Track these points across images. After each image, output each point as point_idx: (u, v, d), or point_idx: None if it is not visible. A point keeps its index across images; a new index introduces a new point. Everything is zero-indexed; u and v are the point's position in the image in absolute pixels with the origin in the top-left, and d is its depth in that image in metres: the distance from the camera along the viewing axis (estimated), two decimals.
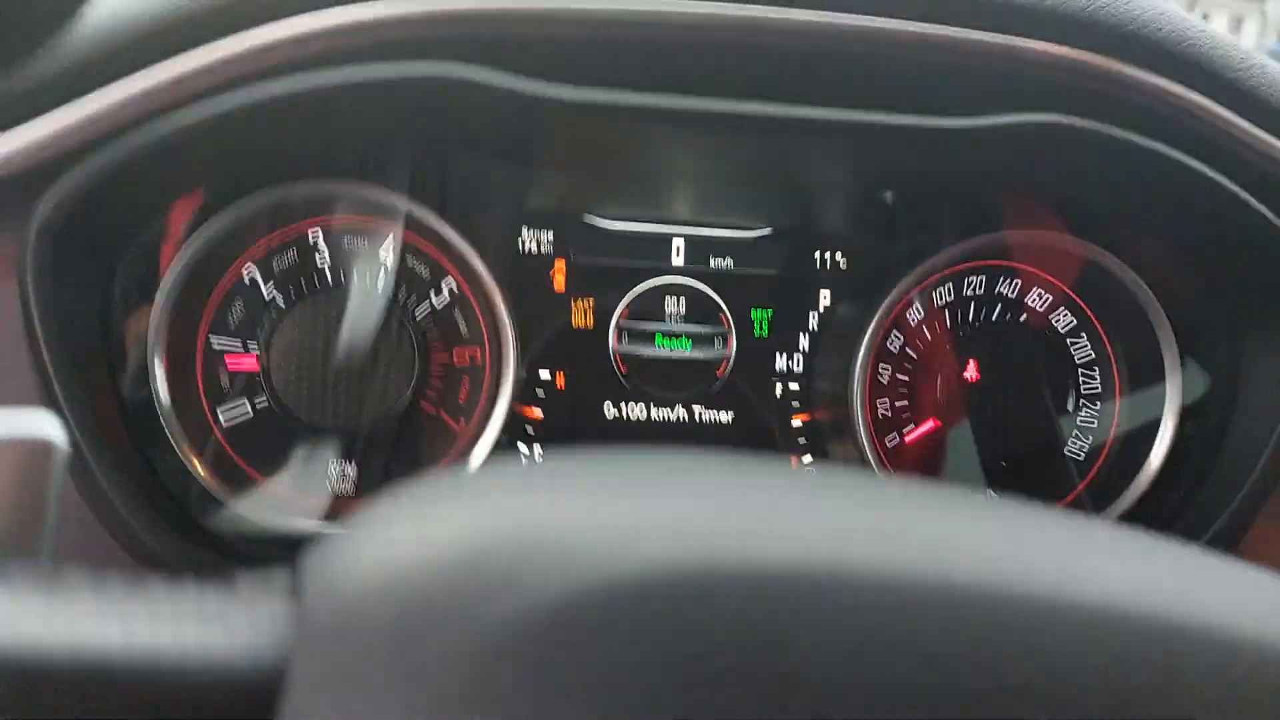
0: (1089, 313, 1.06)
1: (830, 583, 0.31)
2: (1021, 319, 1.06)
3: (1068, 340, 1.06)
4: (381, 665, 0.31)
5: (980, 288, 1.06)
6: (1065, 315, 1.06)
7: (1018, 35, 0.78)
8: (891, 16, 0.76)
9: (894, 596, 0.31)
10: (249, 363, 0.97)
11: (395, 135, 0.89)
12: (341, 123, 0.80)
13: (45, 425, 0.41)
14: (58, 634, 0.31)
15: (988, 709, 0.31)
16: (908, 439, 1.06)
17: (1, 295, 0.82)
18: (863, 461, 1.04)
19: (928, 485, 0.42)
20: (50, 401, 0.81)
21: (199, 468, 0.94)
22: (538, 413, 1.08)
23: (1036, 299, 1.06)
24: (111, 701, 0.32)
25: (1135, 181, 0.87)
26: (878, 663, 0.30)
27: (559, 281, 1.08)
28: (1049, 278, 1.06)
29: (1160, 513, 1.02)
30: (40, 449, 0.41)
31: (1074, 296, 1.06)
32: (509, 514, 0.34)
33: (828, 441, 1.10)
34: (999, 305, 1.06)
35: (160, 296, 0.93)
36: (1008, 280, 1.06)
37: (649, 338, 1.09)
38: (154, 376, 0.93)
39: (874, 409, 1.05)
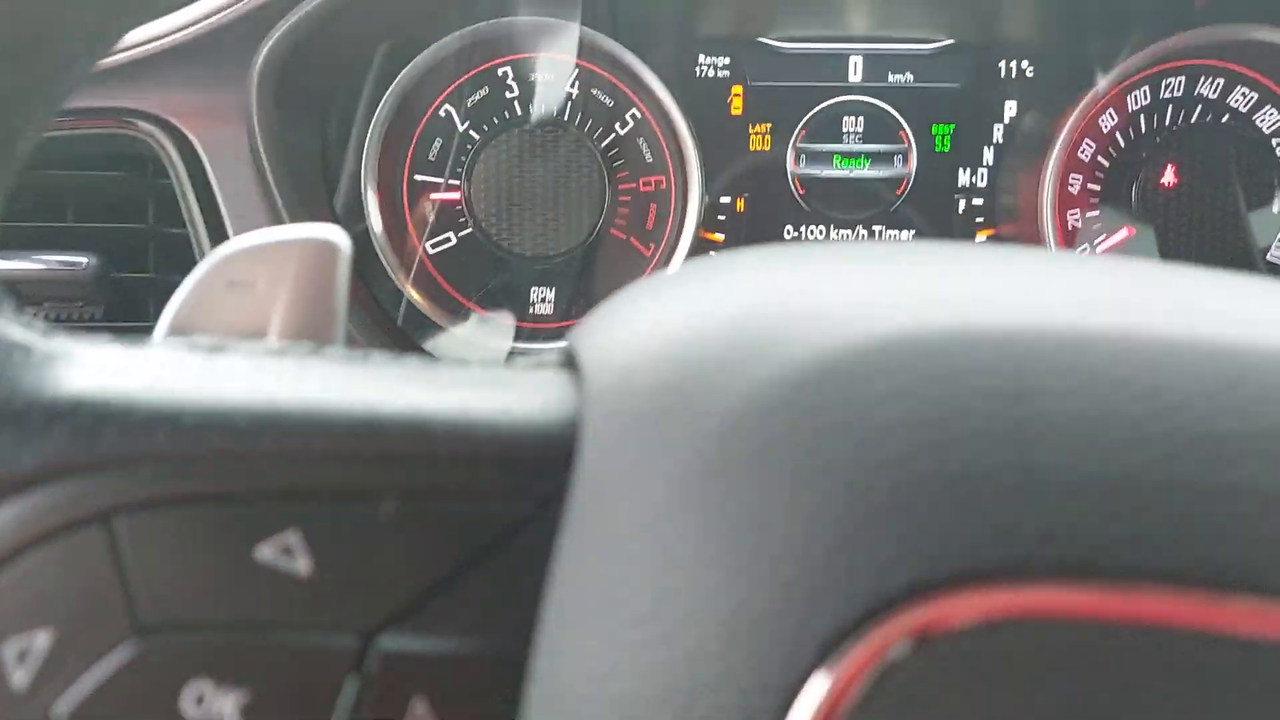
0: None
1: (1075, 341, 0.33)
2: (1224, 120, 1.02)
3: (1273, 141, 1.02)
4: (662, 424, 0.35)
5: (1179, 89, 1.02)
6: (1272, 114, 1.01)
7: None
8: None
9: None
10: (452, 195, 1.03)
11: None
12: None
13: (330, 232, 0.46)
14: (368, 399, 0.37)
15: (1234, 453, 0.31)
16: (1100, 250, 1.04)
17: (232, 139, 0.89)
18: None
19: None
20: None
21: (413, 292, 1.01)
22: (719, 236, 1.11)
23: (1240, 99, 1.01)
24: (419, 461, 0.37)
25: None
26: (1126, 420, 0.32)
27: (736, 105, 1.09)
28: (1255, 75, 1.00)
29: None
30: (328, 249, 0.46)
31: None
32: (767, 284, 0.37)
33: None
34: (1199, 107, 1.02)
35: (370, 136, 0.98)
36: (1209, 80, 1.01)
37: (827, 158, 1.09)
38: (368, 210, 1.00)
39: (1064, 221, 1.04)
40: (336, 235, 0.46)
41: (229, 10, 0.86)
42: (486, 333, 1.04)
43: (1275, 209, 1.01)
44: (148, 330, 0.42)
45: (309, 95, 0.91)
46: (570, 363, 0.41)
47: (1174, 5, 0.99)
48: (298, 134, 0.90)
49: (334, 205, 0.96)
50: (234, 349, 0.39)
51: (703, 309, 0.37)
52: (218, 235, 0.92)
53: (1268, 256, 1.03)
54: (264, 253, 0.46)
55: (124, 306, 0.95)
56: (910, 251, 0.41)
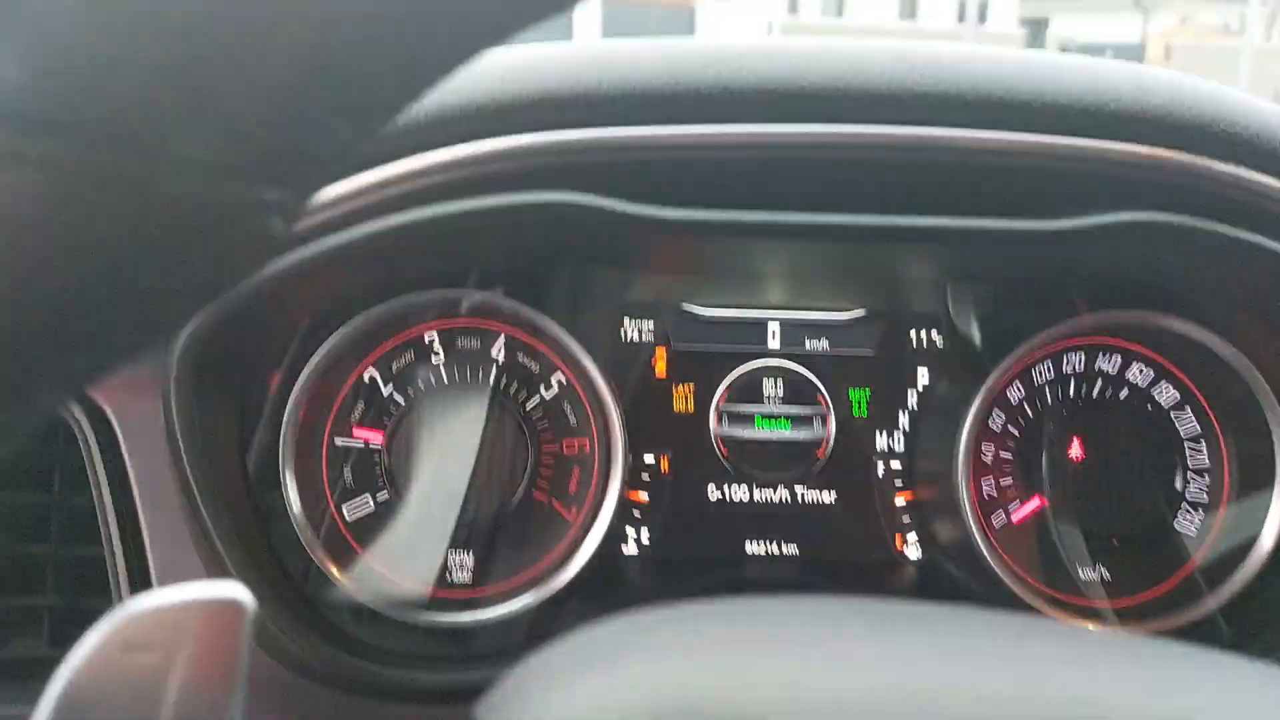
0: (1191, 386, 1.06)
1: None
2: (1123, 394, 1.06)
3: (1171, 414, 1.06)
4: None
5: (1080, 364, 1.06)
6: (1168, 389, 1.06)
7: (1108, 139, 0.80)
8: (988, 128, 0.78)
9: None
10: (371, 457, 1.02)
11: (509, 250, 0.93)
12: (464, 242, 0.85)
13: (234, 590, 0.45)
14: None
15: None
16: (1014, 518, 1.06)
17: (150, 412, 0.88)
18: (969, 541, 1.05)
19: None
20: (192, 510, 0.87)
21: (331, 569, 0.99)
22: (644, 496, 1.11)
23: (1138, 374, 1.06)
24: None
25: (1231, 267, 0.87)
26: None
27: (660, 368, 1.11)
28: (1148, 352, 1.06)
29: (1276, 590, 1.01)
30: (232, 610, 0.44)
31: (1175, 371, 1.06)
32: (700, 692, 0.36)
33: (932, 521, 1.11)
34: (1099, 381, 1.06)
35: (290, 406, 0.98)
36: (1107, 356, 1.06)
37: (749, 420, 1.11)
38: (285, 484, 0.98)
39: (979, 488, 1.06)
40: (240, 594, 0.45)
41: None
42: (405, 603, 1.01)
43: (1178, 484, 1.05)
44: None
45: (229, 368, 0.90)
46: None
47: (1071, 290, 1.04)
48: (215, 407, 0.89)
49: (246, 473, 0.94)
50: None
51: None
52: (125, 510, 0.90)
53: (1175, 527, 1.05)
54: (165, 614, 0.44)
55: (18, 578, 0.91)
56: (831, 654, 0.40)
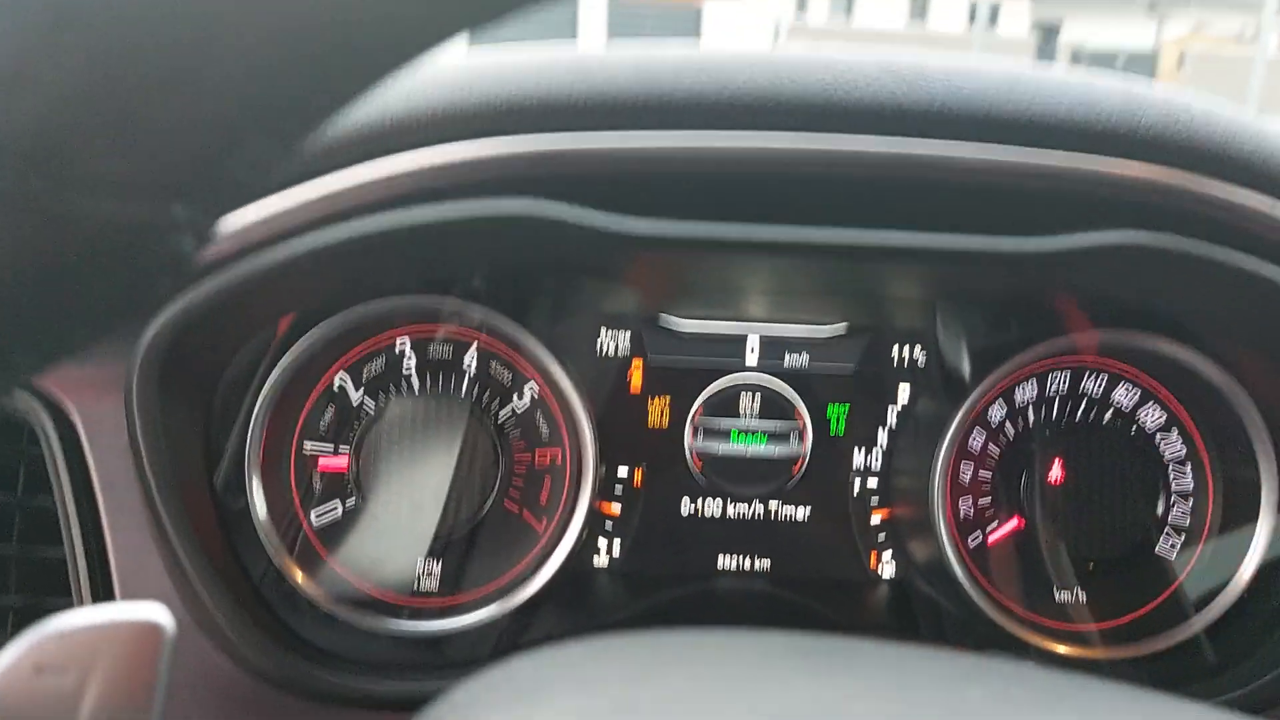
0: (1178, 409, 1.04)
1: None
2: (1107, 416, 1.05)
3: (1157, 437, 1.05)
4: None
5: (1064, 385, 1.05)
6: (1154, 411, 1.04)
7: (1099, 155, 0.78)
8: (971, 140, 0.77)
9: None
10: (339, 465, 1.01)
11: (480, 259, 0.92)
12: (431, 251, 0.84)
13: (153, 612, 0.43)
14: None
15: None
16: (990, 539, 1.04)
17: (112, 412, 0.86)
18: (943, 561, 1.03)
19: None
20: (153, 514, 0.85)
21: (296, 575, 0.98)
22: (615, 509, 1.10)
23: (1123, 395, 1.04)
24: None
25: (1220, 290, 0.86)
26: None
27: (636, 381, 1.10)
28: (1135, 374, 1.04)
29: (1259, 616, 0.99)
30: (150, 631, 0.43)
31: (1162, 392, 1.04)
32: None
33: (908, 539, 1.09)
34: (1084, 402, 1.05)
35: (259, 406, 0.97)
36: (1093, 377, 1.04)
37: (724, 435, 1.10)
38: (250, 490, 0.97)
39: (955, 507, 1.05)
40: (159, 615, 0.44)
41: None
42: (370, 609, 1.00)
43: (1160, 504, 1.03)
44: None
45: (195, 371, 0.89)
46: None
47: (1058, 310, 1.03)
48: (181, 411, 0.88)
49: (213, 481, 0.93)
50: None
51: None
52: (88, 512, 0.88)
53: (1156, 552, 1.04)
54: (79, 636, 0.43)
55: None
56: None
